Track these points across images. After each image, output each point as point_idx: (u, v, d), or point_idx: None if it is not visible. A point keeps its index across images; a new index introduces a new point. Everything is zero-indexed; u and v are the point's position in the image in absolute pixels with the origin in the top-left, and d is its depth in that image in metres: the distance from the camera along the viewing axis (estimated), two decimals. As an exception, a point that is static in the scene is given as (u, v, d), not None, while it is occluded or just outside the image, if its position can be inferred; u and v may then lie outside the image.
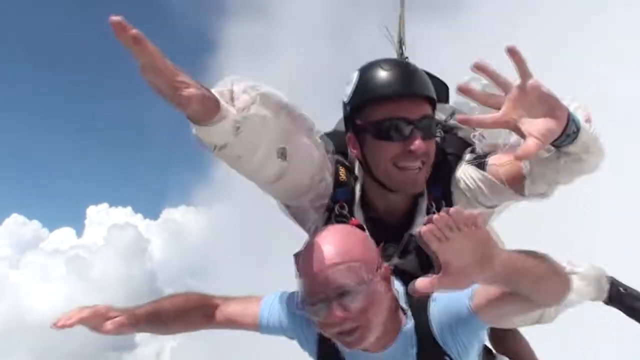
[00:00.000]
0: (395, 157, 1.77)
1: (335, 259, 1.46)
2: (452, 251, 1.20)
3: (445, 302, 1.59)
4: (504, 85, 1.41)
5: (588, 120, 1.61)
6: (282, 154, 1.70)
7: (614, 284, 2.62)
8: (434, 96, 1.85)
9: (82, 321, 1.56)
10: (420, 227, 1.19)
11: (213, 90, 1.54)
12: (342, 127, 1.98)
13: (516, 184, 1.80)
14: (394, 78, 1.79)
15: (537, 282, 1.35)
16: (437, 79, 2.30)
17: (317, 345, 1.75)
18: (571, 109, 1.54)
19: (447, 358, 1.60)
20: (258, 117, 1.59)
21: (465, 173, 1.90)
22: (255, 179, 1.77)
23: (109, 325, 1.60)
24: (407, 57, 2.70)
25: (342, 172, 1.93)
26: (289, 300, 1.78)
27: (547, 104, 1.41)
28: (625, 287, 2.66)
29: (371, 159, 1.83)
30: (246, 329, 1.84)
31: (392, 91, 1.77)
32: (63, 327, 1.53)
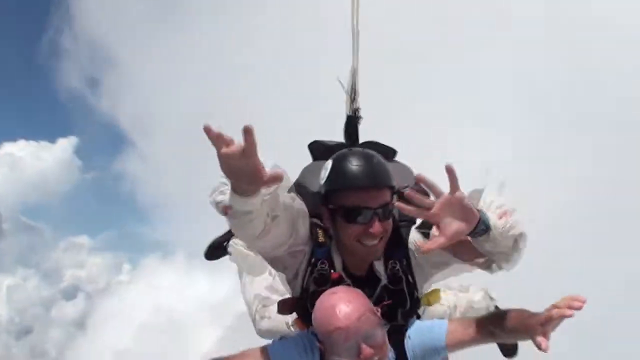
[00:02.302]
0: (358, 235, 2.24)
1: (357, 312, 2.02)
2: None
3: (419, 339, 2.24)
4: (438, 194, 1.95)
5: (502, 216, 2.08)
6: (274, 217, 2.11)
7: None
8: (393, 183, 2.28)
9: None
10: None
11: None
12: (306, 176, 2.60)
13: (459, 248, 2.20)
14: (361, 173, 2.22)
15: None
16: (386, 146, 2.71)
17: None
18: (489, 205, 2.10)
19: None
20: (276, 195, 2.07)
21: (414, 239, 2.39)
22: (247, 234, 2.16)
23: None
24: (359, 109, 2.79)
25: (321, 234, 2.37)
26: (292, 344, 2.28)
27: (464, 212, 1.96)
28: None
29: (340, 233, 2.28)
30: None
31: (358, 184, 2.21)
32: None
